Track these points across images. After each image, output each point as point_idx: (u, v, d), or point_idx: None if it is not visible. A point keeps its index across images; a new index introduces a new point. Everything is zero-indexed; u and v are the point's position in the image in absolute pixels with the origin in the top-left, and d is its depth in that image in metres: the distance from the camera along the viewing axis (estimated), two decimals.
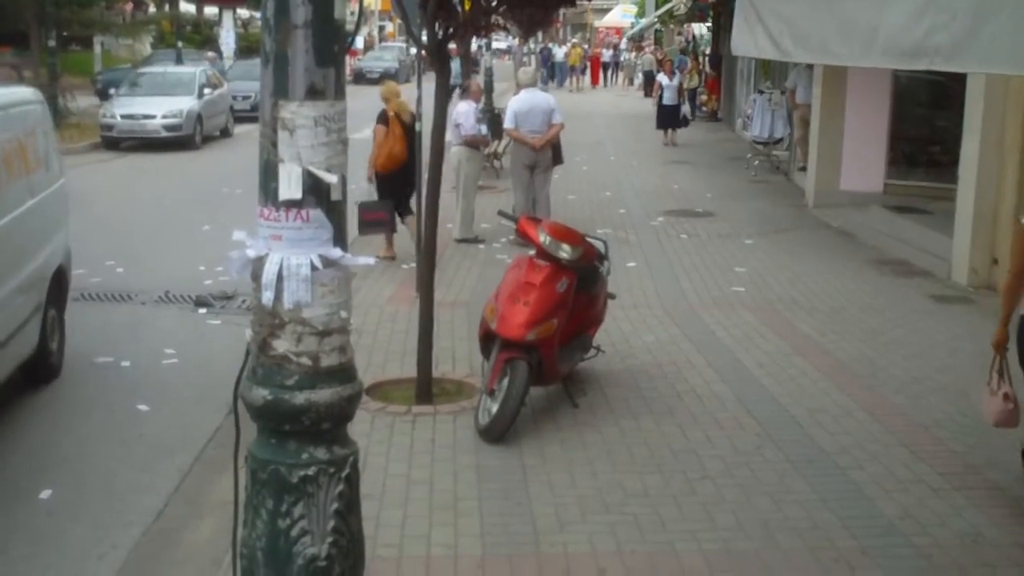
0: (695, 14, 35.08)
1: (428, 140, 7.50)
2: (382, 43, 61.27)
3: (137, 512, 5.85)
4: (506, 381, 6.48)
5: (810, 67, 16.06)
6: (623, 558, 5.10)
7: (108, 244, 12.37)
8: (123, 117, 22.70)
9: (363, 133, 12.43)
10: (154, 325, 9.49)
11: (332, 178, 2.98)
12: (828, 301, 10.02)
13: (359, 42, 52.10)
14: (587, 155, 20.48)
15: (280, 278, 2.98)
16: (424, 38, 7.19)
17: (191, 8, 50.07)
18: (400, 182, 11.41)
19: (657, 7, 44.31)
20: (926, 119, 15.35)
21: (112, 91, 25.57)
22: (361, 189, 11.59)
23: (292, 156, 2.95)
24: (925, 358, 8.28)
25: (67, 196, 8.79)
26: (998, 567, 5.06)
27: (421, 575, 4.95)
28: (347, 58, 3.33)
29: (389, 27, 70.52)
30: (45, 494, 6.09)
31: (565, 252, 6.86)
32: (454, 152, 12.43)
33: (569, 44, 51.71)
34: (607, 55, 53.78)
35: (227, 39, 40.57)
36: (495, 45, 29.66)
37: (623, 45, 56.92)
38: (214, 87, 24.93)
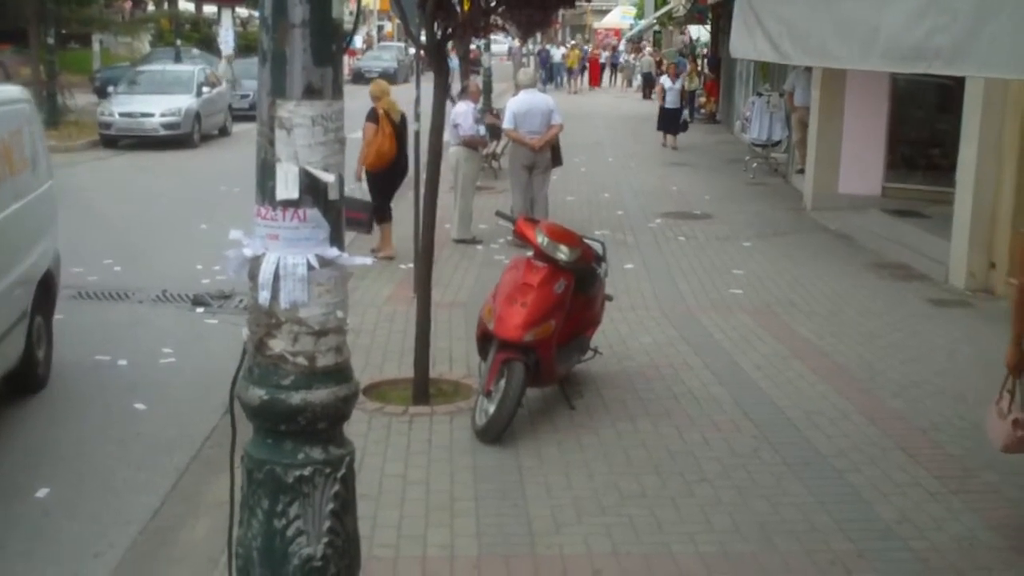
0: (694, 16, 35.12)
1: (426, 140, 7.50)
2: (381, 43, 61.26)
3: (134, 511, 5.85)
4: (503, 382, 6.48)
5: (809, 70, 16.06)
6: (619, 560, 5.09)
7: (105, 242, 12.36)
8: (121, 115, 22.68)
9: (360, 133, 12.42)
10: (151, 324, 9.48)
11: (329, 177, 2.97)
12: (826, 304, 10.02)
13: (358, 41, 52.08)
14: (585, 156, 20.49)
15: (277, 277, 2.97)
16: (423, 38, 7.18)
17: (190, 6, 50.01)
18: (388, 180, 11.62)
19: (656, 9, 44.40)
20: (925, 122, 15.36)
21: (110, 89, 25.53)
22: (350, 189, 11.58)
23: (289, 155, 2.95)
24: (923, 362, 8.28)
25: (55, 199, 8.48)
26: (995, 571, 5.06)
27: (417, 575, 4.95)
28: (345, 58, 3.32)
29: (388, 27, 70.50)
30: (42, 492, 6.08)
31: (563, 253, 6.86)
32: (452, 152, 12.44)
33: (568, 45, 51.70)
34: (604, 56, 53.80)
35: (226, 38, 40.52)
36: (494, 47, 29.59)
37: (621, 47, 56.96)
38: (212, 86, 24.92)
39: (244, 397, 3.05)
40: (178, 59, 30.86)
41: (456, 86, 14.21)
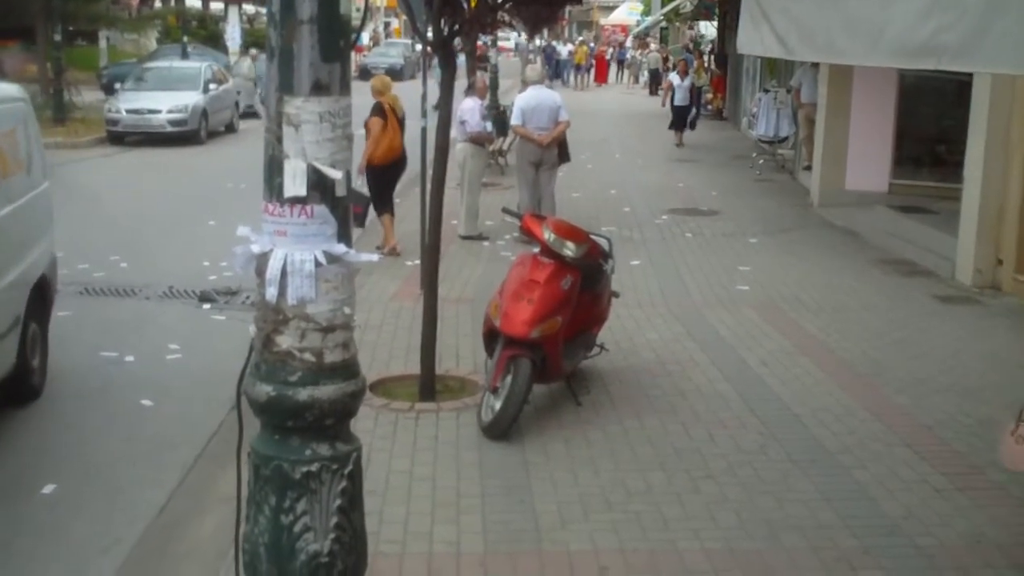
0: (701, 12, 35.09)
1: (433, 136, 7.50)
2: (387, 40, 61.27)
3: (140, 507, 5.86)
4: (509, 378, 6.48)
5: (815, 66, 16.03)
6: (625, 556, 5.09)
7: (112, 239, 12.39)
8: (128, 112, 22.71)
9: (361, 129, 12.44)
10: (158, 320, 9.50)
11: (337, 174, 2.98)
12: (832, 301, 10.00)
13: (364, 38, 52.12)
14: (592, 153, 20.46)
15: (284, 274, 2.98)
16: (430, 34, 7.18)
17: (197, 3, 50.06)
18: (392, 175, 11.73)
19: (663, 5, 44.34)
20: (932, 119, 15.31)
21: (117, 86, 25.60)
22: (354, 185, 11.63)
23: (297, 152, 2.95)
24: (929, 358, 8.27)
25: (51, 201, 8.20)
26: (1000, 568, 5.05)
27: (423, 572, 4.95)
28: (352, 54, 3.33)
29: (395, 23, 70.51)
30: (48, 489, 6.09)
31: (569, 250, 6.85)
32: (459, 149, 12.44)
33: (576, 42, 51.64)
34: (610, 52, 53.73)
35: (232, 34, 40.60)
36: (501, 44, 29.57)
37: (628, 43, 56.89)
38: (219, 82, 24.93)
39: (251, 393, 3.06)
40: (185, 56, 30.90)
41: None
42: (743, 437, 6.58)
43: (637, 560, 5.06)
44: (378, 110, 11.56)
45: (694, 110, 24.20)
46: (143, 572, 5.22)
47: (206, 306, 9.96)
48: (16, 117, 7.59)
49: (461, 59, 11.22)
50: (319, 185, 2.97)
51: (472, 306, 9.31)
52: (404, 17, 43.71)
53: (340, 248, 3.01)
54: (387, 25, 71.58)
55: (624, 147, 22.89)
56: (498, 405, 6.47)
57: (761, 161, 19.22)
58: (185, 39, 34.16)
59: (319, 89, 2.94)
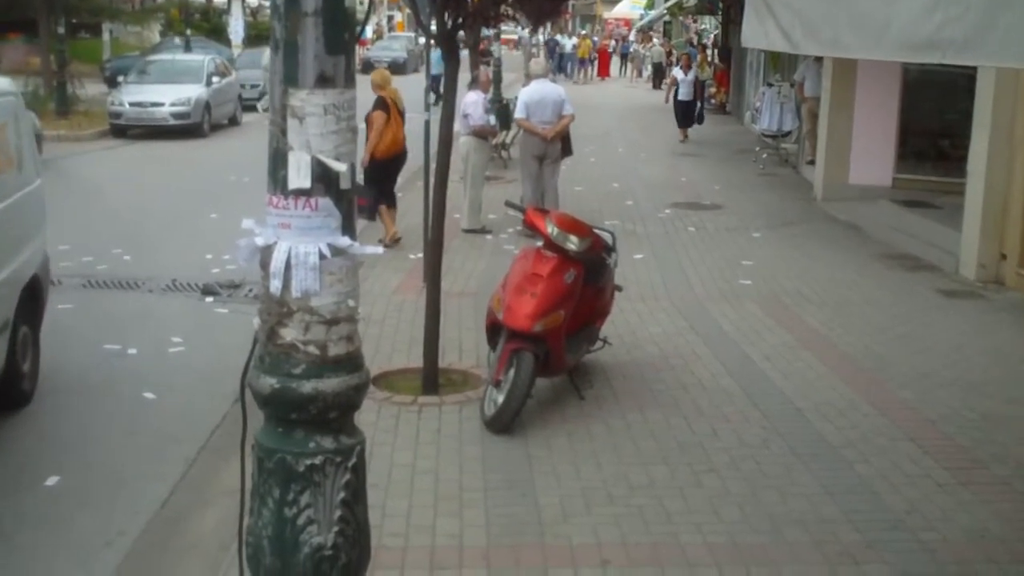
0: (704, 6, 35.01)
1: (436, 130, 7.49)
2: (391, 33, 61.24)
3: (144, 500, 5.86)
4: (512, 372, 6.48)
5: (819, 60, 16.01)
6: (628, 550, 5.09)
7: (115, 232, 12.39)
8: (131, 105, 22.70)
9: (362, 123, 12.45)
10: (161, 313, 9.50)
11: (341, 166, 2.97)
12: (835, 295, 9.99)
13: (368, 32, 52.11)
14: (595, 146, 20.46)
15: (288, 266, 2.97)
16: (433, 28, 7.17)
17: None
18: (394, 168, 11.83)
19: None
20: (935, 113, 15.28)
21: (120, 79, 25.61)
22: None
23: (301, 144, 2.94)
24: (932, 353, 8.26)
25: (44, 199, 7.95)
26: (1004, 563, 5.05)
27: (426, 565, 4.95)
28: (356, 47, 3.32)
29: (398, 17, 70.45)
30: (52, 481, 6.10)
31: (572, 243, 6.85)
32: (462, 142, 12.44)
33: (579, 35, 51.57)
34: (612, 46, 53.67)
35: (236, 27, 40.56)
36: (504, 37, 29.52)
37: (631, 37, 56.81)
38: (222, 75, 24.92)
39: (255, 386, 3.05)
40: (188, 48, 30.90)
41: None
42: (746, 431, 6.57)
43: (639, 554, 5.06)
44: (381, 104, 11.58)
45: (699, 104, 24.14)
46: (146, 565, 5.22)
47: (209, 299, 9.96)
48: (7, 112, 7.31)
49: (464, 53, 11.22)
50: (323, 178, 2.96)
51: (475, 300, 9.31)
52: (407, 11, 43.68)
53: (344, 241, 3.00)
54: (390, 19, 71.52)
55: (627, 141, 22.87)
56: (501, 399, 6.47)
57: (764, 155, 19.21)
58: (188, 32, 34.16)
59: (324, 81, 2.94)
